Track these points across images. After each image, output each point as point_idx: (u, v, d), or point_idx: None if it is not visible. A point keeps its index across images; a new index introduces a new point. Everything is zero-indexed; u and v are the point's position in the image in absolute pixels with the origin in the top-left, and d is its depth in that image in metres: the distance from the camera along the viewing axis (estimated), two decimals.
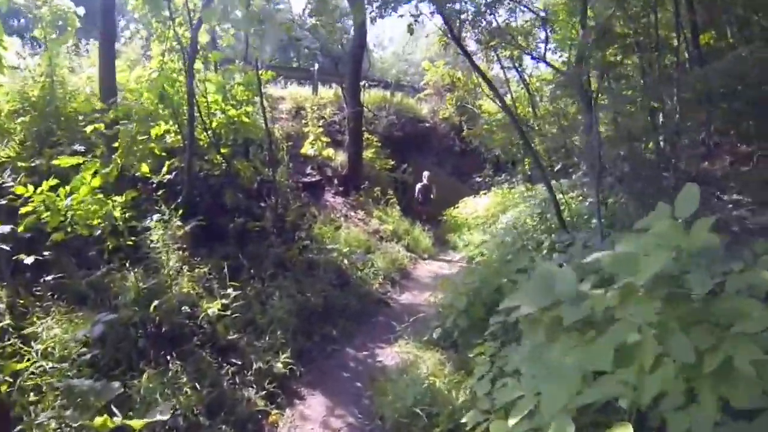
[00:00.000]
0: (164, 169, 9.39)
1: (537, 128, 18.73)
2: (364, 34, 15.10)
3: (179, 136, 9.46)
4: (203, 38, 10.31)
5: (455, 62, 22.81)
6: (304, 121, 16.03)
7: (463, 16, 20.90)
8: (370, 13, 22.41)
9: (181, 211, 8.41)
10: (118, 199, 7.20)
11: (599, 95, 13.42)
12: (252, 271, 8.35)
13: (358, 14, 11.41)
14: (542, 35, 18.19)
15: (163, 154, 9.20)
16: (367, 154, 16.17)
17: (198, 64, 10.08)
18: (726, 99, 8.48)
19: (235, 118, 10.29)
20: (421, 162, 20.70)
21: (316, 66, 20.22)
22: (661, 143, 9.97)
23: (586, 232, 8.66)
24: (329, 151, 15.04)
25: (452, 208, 17.16)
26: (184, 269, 7.79)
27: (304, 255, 9.37)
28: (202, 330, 6.74)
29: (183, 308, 6.91)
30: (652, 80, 12.55)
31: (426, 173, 17.38)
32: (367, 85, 17.95)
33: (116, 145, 7.72)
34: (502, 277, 7.24)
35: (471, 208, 16.68)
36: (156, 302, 6.50)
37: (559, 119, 16.31)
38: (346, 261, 9.90)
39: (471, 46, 21.95)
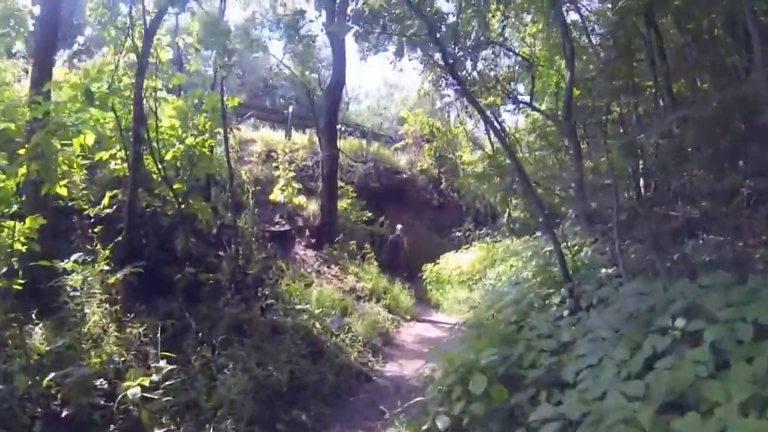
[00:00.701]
0: (105, 200, 7.64)
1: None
2: (343, 69, 13.80)
3: (126, 164, 7.74)
4: (164, 54, 8.77)
5: (433, 112, 21.75)
6: (275, 164, 14.44)
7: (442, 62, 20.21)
8: (358, 52, 21.76)
9: (116, 254, 6.63)
10: (20, 226, 5.32)
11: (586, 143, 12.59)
12: (200, 335, 6.50)
13: (341, 29, 9.99)
14: (524, 82, 17.31)
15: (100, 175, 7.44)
16: (342, 204, 14.60)
17: (157, 83, 8.49)
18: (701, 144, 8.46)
19: (195, 149, 8.59)
20: (399, 215, 19.19)
21: (291, 108, 18.82)
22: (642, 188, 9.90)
23: (594, 283, 7.53)
24: (301, 199, 13.41)
25: (433, 264, 15.54)
26: (110, 328, 5.95)
27: (267, 316, 7.55)
28: (121, 417, 4.84)
29: (99, 382, 5.06)
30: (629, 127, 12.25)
31: (399, 226, 15.86)
32: (343, 129, 16.56)
33: (22, 151, 5.83)
34: (520, 345, 5.64)
35: (453, 264, 15.12)
36: (58, 373, 4.65)
37: (544, 167, 15.02)
38: (318, 324, 8.09)
39: (450, 95, 21.10)
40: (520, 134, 19.87)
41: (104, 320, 6.08)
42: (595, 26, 13.71)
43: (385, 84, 47.22)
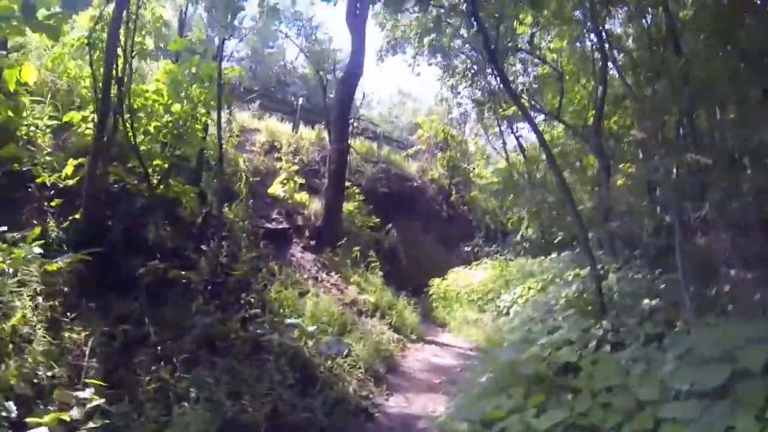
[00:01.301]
0: (67, 168, 6.17)
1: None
2: (361, 59, 12.33)
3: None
4: (160, 10, 7.41)
5: (448, 122, 20.32)
6: (277, 155, 12.97)
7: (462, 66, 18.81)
8: (376, 53, 20.35)
9: (70, 235, 5.17)
10: None
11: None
12: (160, 348, 4.98)
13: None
14: (548, 95, 15.88)
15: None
16: (348, 206, 13.09)
17: (147, 41, 7.09)
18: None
19: (184, 122, 7.11)
20: (406, 224, 17.67)
21: (300, 100, 17.35)
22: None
23: (634, 316, 6.64)
24: (303, 196, 11.90)
25: (440, 279, 13.99)
26: (38, 332, 4.45)
27: (248, 330, 6.02)
28: None
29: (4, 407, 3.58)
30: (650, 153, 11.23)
31: (392, 231, 14.41)
32: (355, 125, 15.10)
33: None
34: (581, 399, 4.19)
35: (463, 280, 13.59)
36: None
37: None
38: (311, 343, 6.53)
39: (468, 102, 19.70)
40: (538, 151, 18.45)
41: (35, 319, 4.57)
42: (614, 50, 12.59)
43: (399, 92, 46.02)
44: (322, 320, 7.46)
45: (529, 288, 10.91)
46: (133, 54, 6.61)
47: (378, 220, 13.99)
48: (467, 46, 18.07)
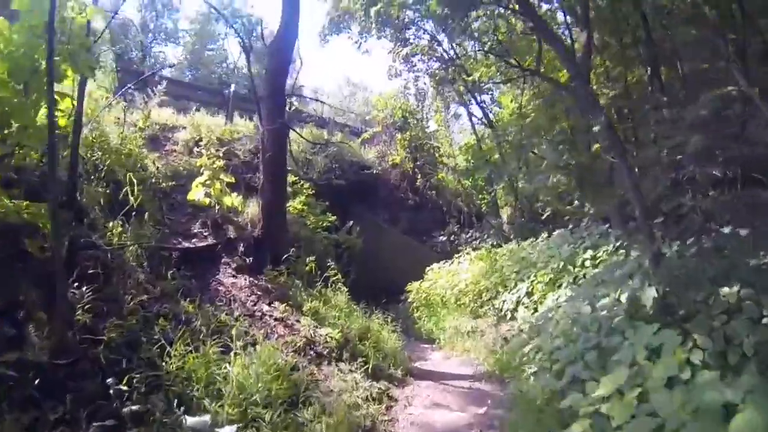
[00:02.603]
0: None
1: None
2: (295, 21, 9.23)
3: None
4: None
5: (405, 98, 17.40)
6: (197, 149, 9.94)
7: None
8: (319, 33, 17.25)
9: None
10: None
11: None
12: None
13: None
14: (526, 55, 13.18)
15: None
16: (296, 204, 10.12)
17: None
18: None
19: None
20: (370, 219, 14.79)
21: (232, 88, 14.16)
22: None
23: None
24: (235, 199, 8.88)
25: (419, 282, 11.17)
26: None
27: None
28: None
29: None
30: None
31: (355, 229, 11.59)
32: (295, 105, 12.03)
33: None
34: None
35: (446, 279, 10.78)
36: None
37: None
38: None
39: (424, 78, 16.86)
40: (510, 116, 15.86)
41: None
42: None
43: (348, 83, 42.90)
44: (258, 393, 4.48)
45: (539, 281, 8.16)
46: None
47: (334, 218, 11.03)
48: (418, 13, 15.30)
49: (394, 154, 16.54)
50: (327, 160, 13.96)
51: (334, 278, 8.32)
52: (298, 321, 6.74)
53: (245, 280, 7.55)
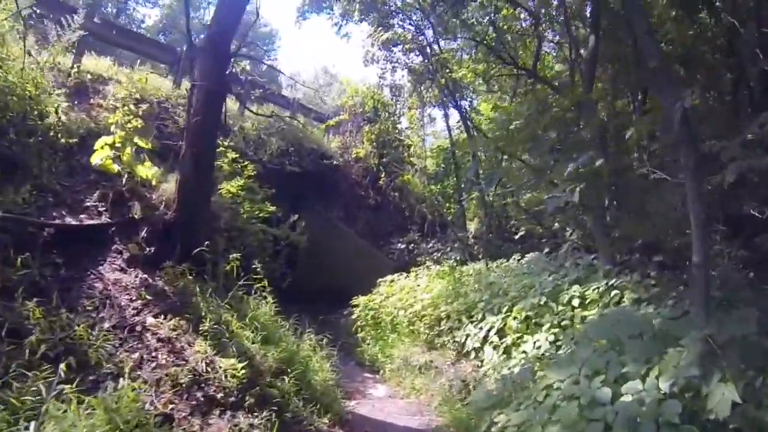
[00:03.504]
0: None
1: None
2: None
3: None
4: None
5: (379, 89, 15.47)
6: (102, 100, 7.84)
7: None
8: (297, 8, 15.12)
9: None
10: None
11: None
12: None
13: None
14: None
15: None
16: (230, 187, 8.06)
17: None
18: None
19: None
20: (323, 215, 12.83)
21: (184, 47, 11.92)
22: None
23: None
24: (149, 170, 6.75)
25: (368, 294, 9.25)
26: None
27: None
28: None
29: None
30: None
31: (301, 224, 9.70)
32: (244, 69, 9.95)
33: None
34: None
35: (400, 296, 8.87)
36: None
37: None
38: None
39: (403, 70, 14.97)
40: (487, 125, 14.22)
41: None
42: None
43: (325, 73, 40.58)
44: None
45: (513, 317, 6.35)
46: None
47: (275, 208, 9.01)
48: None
49: (359, 146, 14.59)
50: (283, 143, 11.93)
51: (260, 284, 6.32)
52: (190, 344, 4.72)
53: (136, 276, 5.49)
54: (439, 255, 12.43)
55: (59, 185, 6.22)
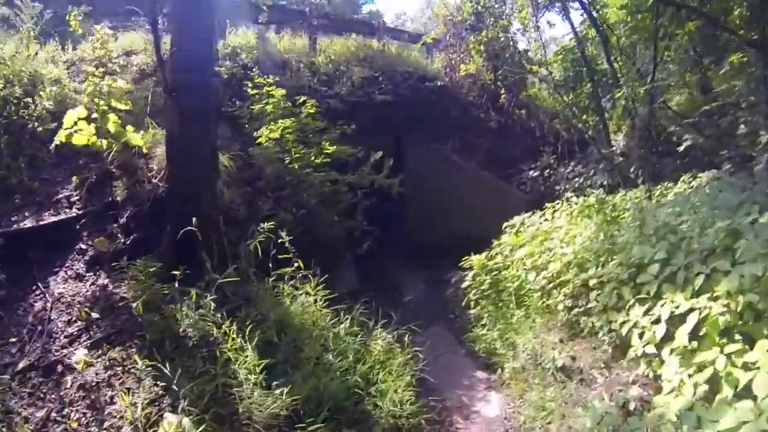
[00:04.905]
0: None
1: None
2: None
3: None
4: None
5: None
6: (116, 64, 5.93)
7: None
8: None
9: None
10: None
11: None
12: None
13: None
14: None
15: None
16: (270, 132, 5.74)
17: None
18: None
19: None
20: (431, 147, 10.13)
21: None
22: None
23: None
24: (139, 138, 4.70)
25: (487, 250, 6.34)
26: None
27: None
28: None
29: None
30: None
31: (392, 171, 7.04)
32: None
33: None
34: None
35: (531, 246, 5.81)
36: None
37: None
38: None
39: None
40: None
41: None
42: None
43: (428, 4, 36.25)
44: None
45: (721, 302, 3.18)
46: None
47: (353, 150, 6.54)
48: None
49: (467, 61, 11.35)
50: (367, 71, 9.32)
51: (302, 271, 4.04)
52: (131, 390, 2.64)
53: (92, 285, 3.56)
54: (581, 180, 9.08)
55: (38, 181, 4.53)
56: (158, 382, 2.97)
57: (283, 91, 6.12)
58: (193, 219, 3.67)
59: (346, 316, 4.07)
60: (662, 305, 3.53)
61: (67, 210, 4.26)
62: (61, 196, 4.40)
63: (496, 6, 11.52)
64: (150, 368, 2.88)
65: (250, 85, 6.24)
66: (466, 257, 6.14)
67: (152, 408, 2.85)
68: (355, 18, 12.14)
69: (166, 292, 3.50)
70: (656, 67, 8.37)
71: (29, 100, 5.33)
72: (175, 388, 2.83)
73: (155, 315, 3.36)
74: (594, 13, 10.20)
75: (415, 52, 11.55)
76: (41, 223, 4.07)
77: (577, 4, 10.52)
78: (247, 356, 3.17)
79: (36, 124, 5.13)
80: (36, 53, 5.94)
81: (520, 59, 11.58)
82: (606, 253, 4.50)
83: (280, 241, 4.07)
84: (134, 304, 3.33)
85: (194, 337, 3.29)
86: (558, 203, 7.04)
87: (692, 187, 6.32)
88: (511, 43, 11.55)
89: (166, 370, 2.84)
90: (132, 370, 3.02)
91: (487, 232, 7.17)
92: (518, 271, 5.55)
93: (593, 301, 4.19)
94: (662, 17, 8.38)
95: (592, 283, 4.27)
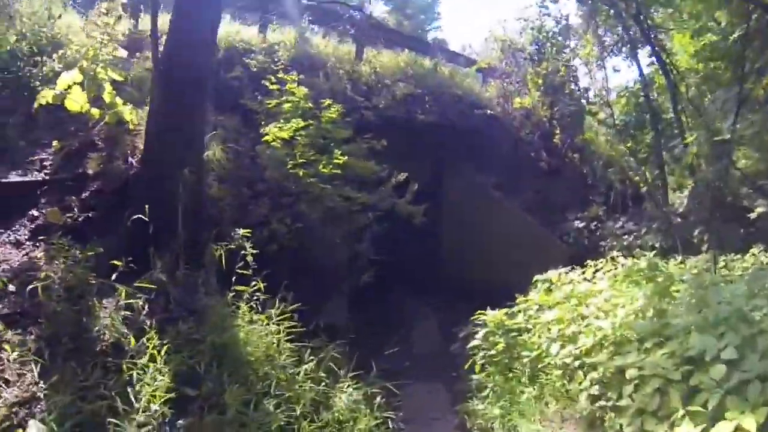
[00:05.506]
0: None
1: None
2: None
3: None
4: None
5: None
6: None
7: None
8: None
9: None
10: None
11: None
12: None
13: None
14: None
15: None
16: (279, 131, 5.07)
17: None
18: None
19: None
20: (473, 178, 9.28)
21: None
22: None
23: None
24: (129, 111, 4.13)
25: (508, 307, 5.30)
26: None
27: None
28: None
29: None
30: None
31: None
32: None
33: None
34: None
35: (561, 310, 4.75)
36: None
37: None
38: None
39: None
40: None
41: None
42: None
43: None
44: None
45: None
46: None
47: (376, 168, 5.78)
48: None
49: (523, 94, 10.46)
50: (412, 88, 8.60)
51: (258, 295, 3.27)
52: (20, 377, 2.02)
53: (27, 255, 3.10)
54: (630, 239, 7.96)
55: (26, 141, 4.06)
56: (41, 383, 2.34)
57: (305, 90, 5.47)
58: (155, 208, 3.03)
59: (313, 357, 3.26)
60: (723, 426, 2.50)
61: (36, 173, 3.76)
62: (36, 158, 3.93)
63: (560, 38, 10.62)
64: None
65: (272, 79, 5.63)
66: (481, 312, 5.13)
67: (22, 410, 2.23)
68: (411, 35, 11.47)
69: (92, 282, 2.87)
70: (738, 115, 7.25)
71: (38, 59, 4.98)
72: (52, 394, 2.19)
73: (68, 304, 2.73)
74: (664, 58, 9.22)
75: (469, 78, 10.77)
76: (2, 180, 3.57)
77: (647, 48, 9.60)
78: (156, 382, 2.44)
79: (38, 83, 4.74)
80: (60, 15, 5.60)
81: (579, 97, 10.58)
82: (653, 335, 3.48)
83: (250, 253, 3.33)
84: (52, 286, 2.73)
85: (105, 342, 2.61)
86: (602, 261, 5.98)
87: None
88: (572, 78, 10.56)
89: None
90: (20, 360, 2.40)
91: (518, 283, 6.15)
92: (540, 338, 4.53)
93: (627, 398, 3.18)
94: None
95: (629, 373, 3.24)
